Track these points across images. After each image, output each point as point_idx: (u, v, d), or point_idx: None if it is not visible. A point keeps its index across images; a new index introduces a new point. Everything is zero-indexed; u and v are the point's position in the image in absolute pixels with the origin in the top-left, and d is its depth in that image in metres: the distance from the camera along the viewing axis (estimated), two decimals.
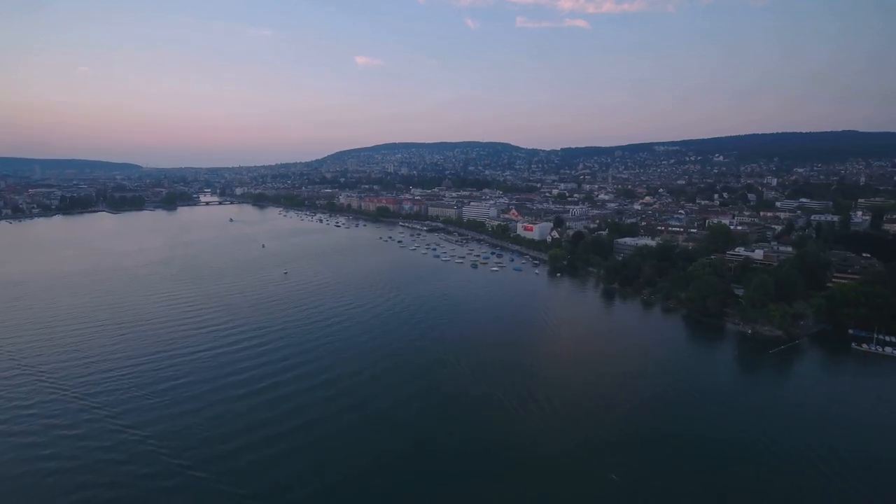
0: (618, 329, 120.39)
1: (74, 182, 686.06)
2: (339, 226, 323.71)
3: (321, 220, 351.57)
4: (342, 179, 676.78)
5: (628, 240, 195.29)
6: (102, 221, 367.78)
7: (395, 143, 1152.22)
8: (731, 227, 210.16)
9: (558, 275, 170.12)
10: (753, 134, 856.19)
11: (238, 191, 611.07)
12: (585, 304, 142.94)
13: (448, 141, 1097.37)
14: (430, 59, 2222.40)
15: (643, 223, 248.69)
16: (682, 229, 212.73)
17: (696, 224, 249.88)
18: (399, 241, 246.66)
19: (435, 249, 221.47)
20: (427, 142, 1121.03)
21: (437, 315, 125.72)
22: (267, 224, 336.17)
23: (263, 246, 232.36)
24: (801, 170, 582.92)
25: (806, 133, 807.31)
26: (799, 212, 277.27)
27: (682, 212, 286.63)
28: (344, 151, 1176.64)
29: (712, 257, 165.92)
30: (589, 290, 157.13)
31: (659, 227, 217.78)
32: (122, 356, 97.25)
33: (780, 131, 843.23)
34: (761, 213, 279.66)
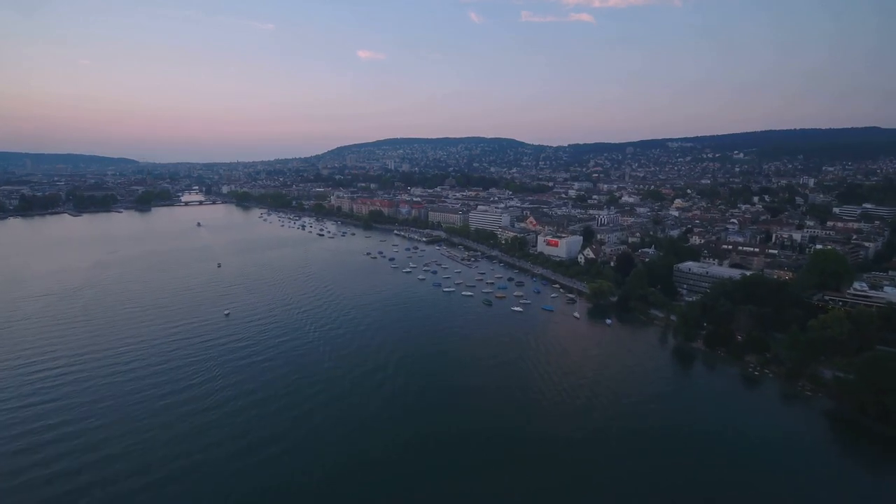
0: (715, 432, 72.81)
1: (55, 178, 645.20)
2: (322, 234, 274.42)
3: (304, 226, 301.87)
4: (338, 176, 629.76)
5: (692, 265, 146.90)
6: (56, 225, 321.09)
7: (396, 139, 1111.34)
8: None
9: (607, 321, 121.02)
10: (771, 130, 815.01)
11: (224, 189, 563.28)
12: (655, 374, 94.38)
13: (451, 136, 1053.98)
14: (433, 54, 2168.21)
15: (691, 236, 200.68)
16: (755, 250, 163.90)
17: (759, 239, 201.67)
18: (391, 259, 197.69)
19: (436, 272, 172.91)
20: (430, 137, 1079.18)
21: (439, 423, 78.40)
22: (239, 231, 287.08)
23: (219, 265, 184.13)
24: (831, 168, 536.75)
25: (826, 129, 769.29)
26: (878, 222, 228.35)
27: (734, 221, 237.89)
28: (344, 147, 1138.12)
29: (828, 298, 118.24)
30: (653, 346, 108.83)
31: (724, 247, 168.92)
32: None
33: (798, 127, 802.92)
34: (829, 224, 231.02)
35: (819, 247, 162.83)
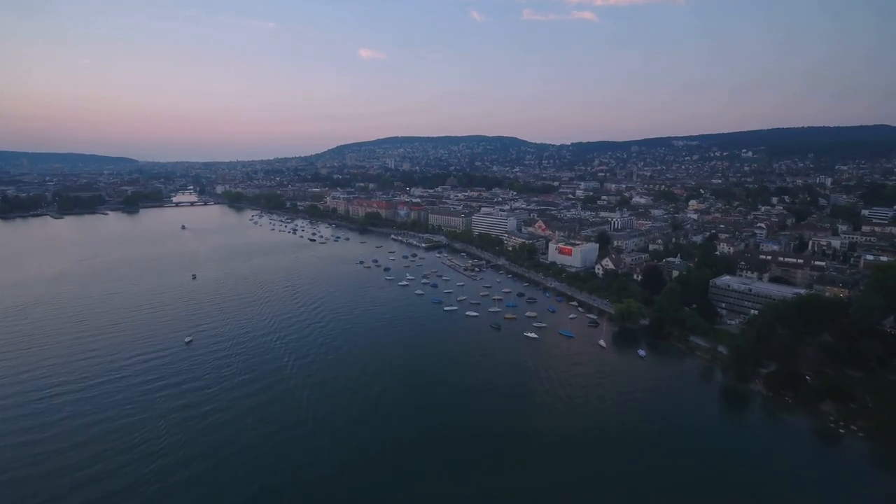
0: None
1: (47, 178, 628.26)
2: (314, 238, 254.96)
3: (296, 230, 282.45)
4: (337, 176, 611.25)
5: (731, 281, 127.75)
6: (35, 228, 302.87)
7: (397, 138, 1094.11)
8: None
9: (640, 353, 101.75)
10: (778, 128, 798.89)
11: (219, 189, 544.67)
12: (708, 432, 75.77)
13: (453, 135, 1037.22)
14: (434, 53, 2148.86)
15: (718, 242, 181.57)
16: (798, 261, 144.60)
17: (793, 246, 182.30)
18: (387, 269, 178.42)
19: (436, 286, 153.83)
20: (431, 135, 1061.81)
21: None
22: (225, 235, 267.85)
23: (194, 277, 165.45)
24: (844, 167, 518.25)
25: (834, 127, 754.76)
26: None
27: (761, 225, 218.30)
28: (344, 146, 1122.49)
29: None
30: (698, 385, 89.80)
31: (762, 257, 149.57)
32: None
33: (804, 125, 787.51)
34: (865, 229, 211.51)
35: (870, 257, 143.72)
